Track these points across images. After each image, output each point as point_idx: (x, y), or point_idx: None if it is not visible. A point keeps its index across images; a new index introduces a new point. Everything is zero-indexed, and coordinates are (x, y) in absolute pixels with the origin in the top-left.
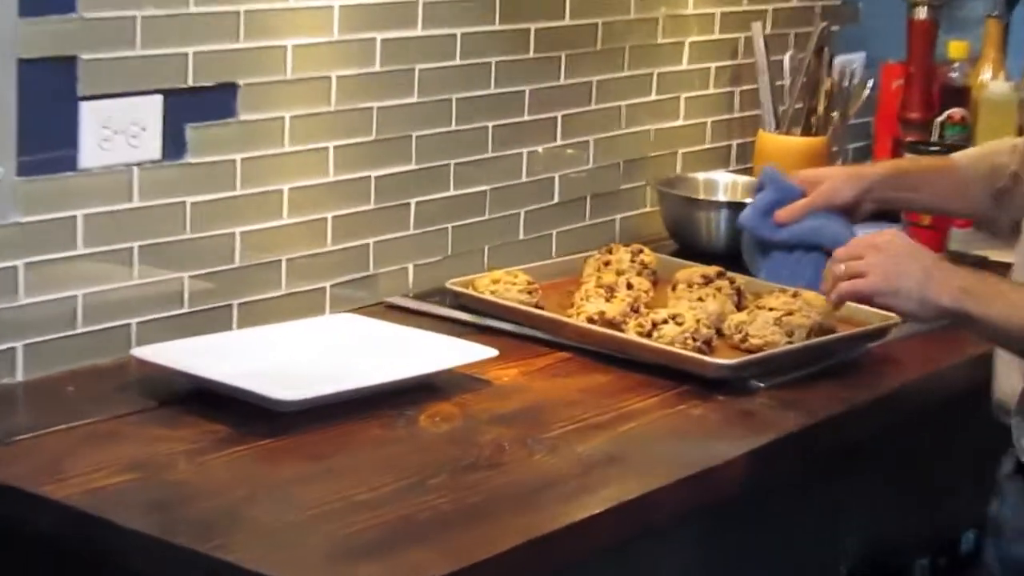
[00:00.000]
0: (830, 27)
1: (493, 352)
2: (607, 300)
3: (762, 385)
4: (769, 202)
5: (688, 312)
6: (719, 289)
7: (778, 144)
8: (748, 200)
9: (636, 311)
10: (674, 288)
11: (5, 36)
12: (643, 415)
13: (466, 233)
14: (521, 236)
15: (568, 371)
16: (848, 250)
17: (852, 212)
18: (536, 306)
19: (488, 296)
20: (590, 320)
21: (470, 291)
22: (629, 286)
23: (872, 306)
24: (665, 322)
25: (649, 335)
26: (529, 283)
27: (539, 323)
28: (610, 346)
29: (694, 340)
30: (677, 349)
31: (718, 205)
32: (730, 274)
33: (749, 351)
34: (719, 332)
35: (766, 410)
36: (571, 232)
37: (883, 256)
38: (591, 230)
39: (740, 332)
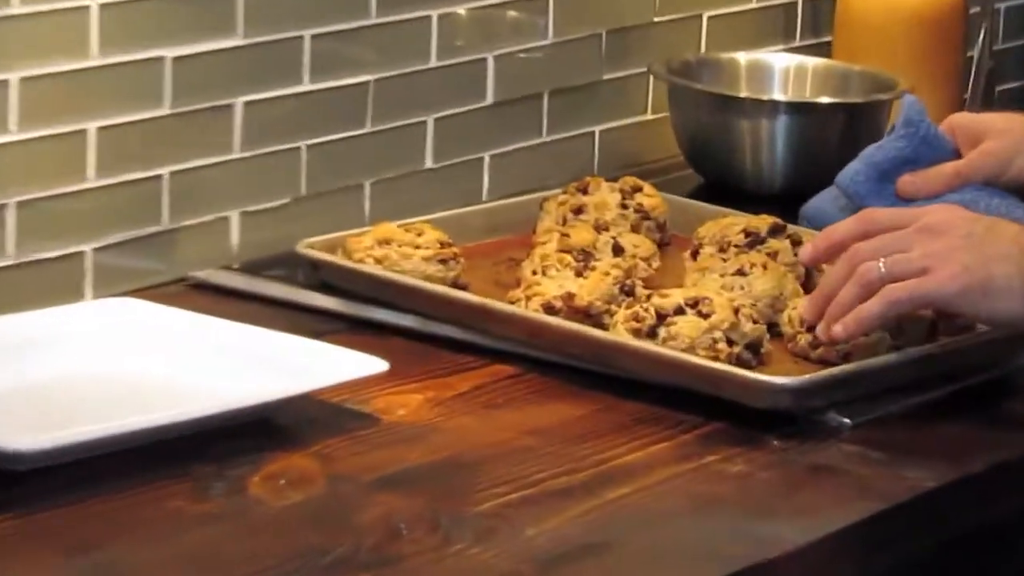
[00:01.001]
0: None
1: (381, 365)
2: (579, 275)
3: (849, 422)
4: (896, 157)
5: (721, 296)
6: (773, 254)
7: (878, 2)
8: (827, 98)
9: (630, 293)
10: (695, 254)
11: None
12: (642, 474)
13: (333, 156)
14: (429, 163)
15: (511, 398)
16: (881, 241)
17: None
18: (456, 285)
19: (371, 268)
20: (549, 309)
21: (339, 259)
22: (618, 250)
23: (938, 320)
24: (680, 311)
25: (652, 334)
26: (443, 245)
27: (460, 314)
28: (584, 354)
29: (730, 344)
30: (700, 359)
31: (773, 108)
32: (793, 229)
33: (827, 362)
34: (774, 330)
35: (858, 465)
36: (516, 156)
37: (948, 240)
38: (551, 152)
39: (811, 330)
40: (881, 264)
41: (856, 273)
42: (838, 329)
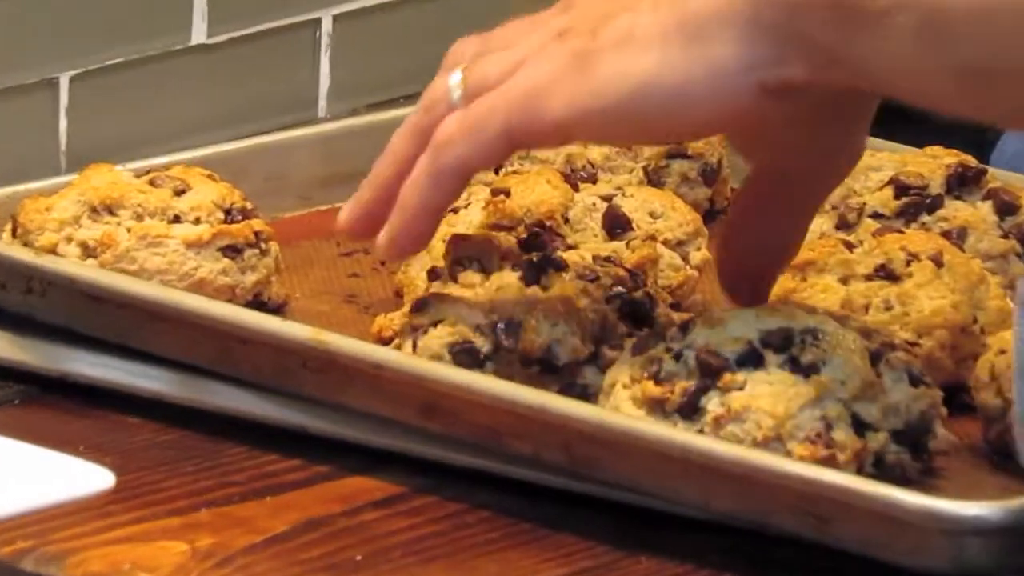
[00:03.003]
0: None
1: (100, 479)
2: (532, 281)
3: None
4: None
5: (843, 328)
6: (958, 234)
7: None
8: None
9: (643, 321)
10: None
11: None
12: None
13: None
14: (199, 35)
15: (381, 548)
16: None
17: None
18: (260, 301)
19: (73, 265)
20: (465, 353)
21: (6, 246)
22: (617, 224)
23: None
24: (753, 359)
25: (691, 410)
26: (231, 214)
27: (270, 367)
28: (542, 451)
29: (860, 430)
30: (794, 463)
31: None
32: (995, 175)
33: None
34: (956, 399)
35: None
36: (391, 19)
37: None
38: (467, 10)
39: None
40: (453, 78)
41: (421, 105)
42: (380, 237)
